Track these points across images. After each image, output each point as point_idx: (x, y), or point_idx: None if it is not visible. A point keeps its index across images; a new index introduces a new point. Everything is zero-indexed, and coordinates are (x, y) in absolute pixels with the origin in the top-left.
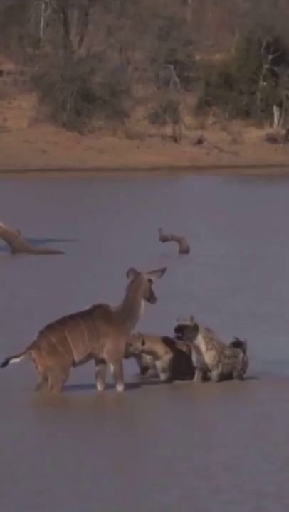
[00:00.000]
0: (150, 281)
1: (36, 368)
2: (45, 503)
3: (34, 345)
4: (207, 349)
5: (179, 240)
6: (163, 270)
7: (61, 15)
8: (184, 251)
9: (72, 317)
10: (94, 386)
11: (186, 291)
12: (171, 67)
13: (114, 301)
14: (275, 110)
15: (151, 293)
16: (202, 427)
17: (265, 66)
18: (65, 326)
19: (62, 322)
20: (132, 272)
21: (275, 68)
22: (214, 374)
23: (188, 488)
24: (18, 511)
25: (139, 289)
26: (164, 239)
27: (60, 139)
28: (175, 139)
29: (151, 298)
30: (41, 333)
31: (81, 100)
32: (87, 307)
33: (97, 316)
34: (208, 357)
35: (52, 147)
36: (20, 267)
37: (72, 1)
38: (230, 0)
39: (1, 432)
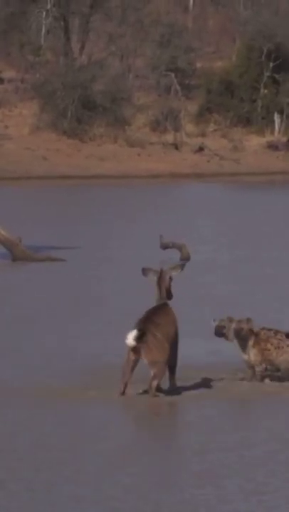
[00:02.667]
0: (171, 278)
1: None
2: (45, 505)
3: (143, 340)
4: (253, 346)
5: (179, 248)
6: (183, 265)
7: (62, 22)
8: (185, 258)
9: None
10: (99, 386)
11: (188, 297)
12: (172, 74)
13: (118, 307)
14: (276, 117)
15: (169, 290)
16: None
17: (266, 73)
18: (162, 320)
19: (158, 316)
20: (151, 270)
21: (276, 76)
22: (257, 371)
23: (190, 492)
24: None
25: (165, 286)
26: (164, 246)
27: (61, 146)
28: (176, 146)
29: (168, 294)
30: (146, 327)
31: (82, 108)
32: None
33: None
34: (253, 353)
35: (53, 154)
36: (21, 274)
37: (73, 9)
38: (231, 7)
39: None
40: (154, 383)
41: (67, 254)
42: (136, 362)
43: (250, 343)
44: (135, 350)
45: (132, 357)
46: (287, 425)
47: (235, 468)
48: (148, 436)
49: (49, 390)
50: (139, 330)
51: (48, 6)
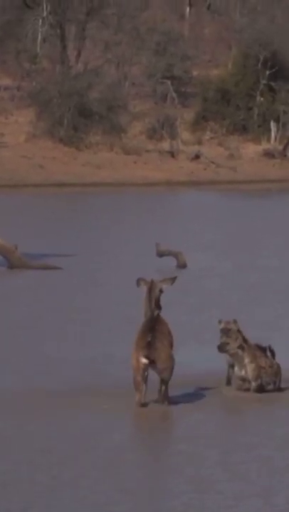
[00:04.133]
0: (161, 290)
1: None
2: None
3: (154, 347)
4: (250, 361)
5: (176, 255)
6: (174, 278)
7: (58, 30)
8: (182, 266)
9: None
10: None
11: (183, 305)
12: (169, 82)
13: (115, 314)
14: (273, 125)
15: (158, 302)
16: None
17: (263, 81)
18: (164, 329)
19: (160, 325)
20: (143, 280)
21: (273, 84)
22: (254, 385)
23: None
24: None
25: (155, 297)
26: (161, 254)
27: (58, 154)
28: (172, 154)
29: (157, 306)
30: (155, 336)
31: (78, 115)
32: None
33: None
34: (251, 369)
35: (49, 162)
36: (18, 282)
37: (69, 16)
38: (227, 15)
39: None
40: (167, 393)
41: (64, 261)
42: (147, 372)
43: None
44: (150, 361)
45: (143, 369)
46: (281, 428)
47: (233, 472)
48: (146, 441)
49: (47, 397)
50: (150, 337)
51: (44, 14)
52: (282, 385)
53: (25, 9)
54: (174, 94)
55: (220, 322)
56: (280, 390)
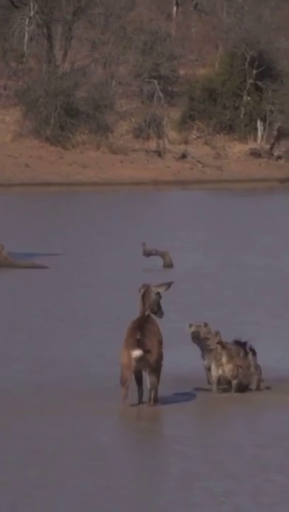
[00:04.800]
0: (158, 294)
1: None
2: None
3: (144, 345)
4: (228, 361)
5: (162, 255)
6: (170, 284)
7: (45, 29)
8: (168, 265)
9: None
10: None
11: (170, 303)
12: (155, 81)
13: (101, 313)
14: (259, 125)
15: (159, 307)
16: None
17: (249, 81)
18: (154, 328)
19: (150, 324)
20: (143, 286)
21: (259, 83)
22: (234, 383)
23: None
24: None
25: (148, 301)
26: (147, 253)
27: (44, 153)
28: (159, 153)
29: (158, 312)
30: (143, 333)
31: (65, 115)
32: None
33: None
34: (229, 369)
35: (36, 162)
36: (4, 281)
37: (56, 16)
38: (214, 15)
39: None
40: (154, 393)
41: (50, 261)
42: (138, 368)
43: (224, 359)
44: (140, 358)
45: (135, 364)
46: (270, 427)
47: (220, 470)
48: (133, 440)
49: (36, 396)
50: (139, 334)
51: (31, 13)
52: (268, 384)
53: (12, 9)
54: (161, 94)
55: (190, 326)
56: (259, 389)
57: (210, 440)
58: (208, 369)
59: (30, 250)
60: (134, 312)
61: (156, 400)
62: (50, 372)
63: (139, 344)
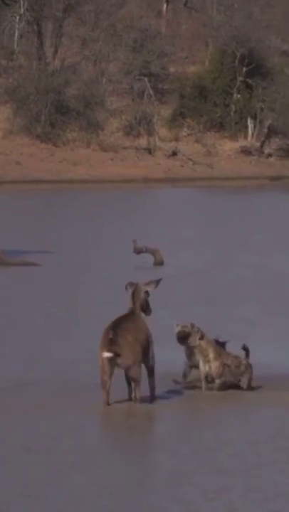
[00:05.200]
0: (147, 292)
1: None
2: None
3: (115, 343)
4: (215, 358)
5: (153, 252)
6: (158, 281)
7: (35, 27)
8: (159, 263)
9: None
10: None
11: (161, 301)
12: (146, 79)
13: (93, 311)
14: (250, 122)
15: (147, 305)
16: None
17: (240, 78)
18: (130, 325)
19: (125, 322)
20: (130, 284)
21: (250, 80)
22: (218, 383)
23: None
24: None
25: (138, 300)
26: (138, 251)
27: (35, 151)
28: (149, 151)
29: (147, 310)
30: (116, 332)
31: (55, 112)
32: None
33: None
34: (215, 366)
35: (26, 159)
36: None
37: (46, 13)
38: (204, 12)
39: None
40: (139, 391)
41: (41, 258)
42: (112, 369)
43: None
44: (110, 359)
45: (108, 366)
46: (262, 424)
47: (211, 467)
48: (124, 438)
49: (28, 394)
50: (112, 334)
51: (21, 11)
52: (260, 382)
53: (2, 6)
54: (151, 91)
55: (177, 325)
56: (250, 388)
57: (201, 437)
58: (194, 367)
59: (21, 248)
60: (124, 309)
61: (141, 398)
62: (42, 369)
63: (110, 344)
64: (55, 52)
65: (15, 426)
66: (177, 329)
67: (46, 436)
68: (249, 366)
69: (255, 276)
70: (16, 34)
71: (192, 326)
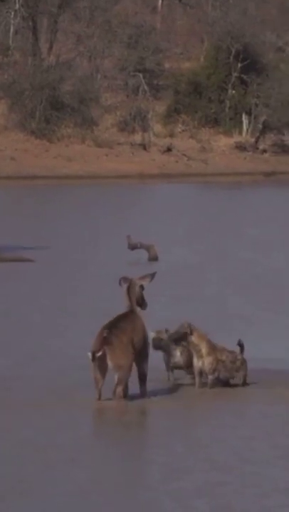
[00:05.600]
0: (142, 287)
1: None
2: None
3: (108, 342)
4: (208, 353)
5: (147, 248)
6: (153, 274)
7: (30, 23)
8: (153, 258)
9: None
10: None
11: (155, 297)
12: (140, 75)
13: (87, 306)
14: (244, 118)
15: (143, 299)
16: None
17: (234, 74)
18: (127, 326)
19: (124, 322)
20: (124, 279)
21: (244, 76)
22: (210, 378)
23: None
24: None
25: (134, 295)
26: (132, 247)
27: (29, 146)
28: (144, 146)
29: (142, 304)
30: (111, 332)
31: (50, 108)
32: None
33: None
34: (208, 361)
35: (21, 155)
36: None
37: (41, 9)
38: (199, 8)
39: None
40: (119, 389)
41: (36, 254)
42: (103, 367)
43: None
44: (100, 358)
45: (96, 364)
46: (257, 420)
47: (207, 462)
48: (117, 434)
49: (21, 392)
50: (106, 332)
51: (17, 6)
52: (256, 378)
53: None
54: (146, 87)
55: (152, 332)
56: (245, 384)
57: (196, 433)
58: (186, 366)
59: (15, 243)
60: (119, 305)
61: (120, 395)
62: (37, 364)
63: (103, 342)
64: (50, 48)
65: (10, 422)
66: (152, 335)
67: (41, 432)
68: (244, 361)
69: (249, 271)
70: (11, 30)
71: (166, 331)
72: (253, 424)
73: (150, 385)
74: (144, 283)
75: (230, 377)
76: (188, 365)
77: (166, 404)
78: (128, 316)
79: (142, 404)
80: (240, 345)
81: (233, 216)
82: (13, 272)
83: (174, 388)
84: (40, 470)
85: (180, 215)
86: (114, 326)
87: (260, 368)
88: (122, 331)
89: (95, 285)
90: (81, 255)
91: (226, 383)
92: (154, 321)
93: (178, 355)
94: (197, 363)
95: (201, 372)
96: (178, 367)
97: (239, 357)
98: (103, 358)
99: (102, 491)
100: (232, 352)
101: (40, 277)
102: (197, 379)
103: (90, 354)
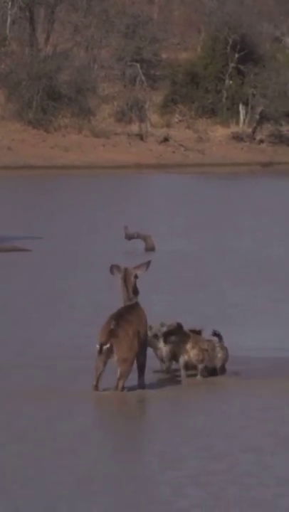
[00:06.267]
0: (136, 276)
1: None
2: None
3: (115, 335)
4: (192, 347)
5: (144, 238)
6: (148, 263)
7: (27, 13)
8: (150, 249)
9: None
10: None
11: (151, 288)
12: (138, 65)
13: (83, 298)
14: (241, 109)
15: (136, 288)
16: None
17: (232, 64)
18: (134, 318)
19: (130, 314)
20: (117, 267)
21: (241, 67)
22: (200, 368)
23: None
24: None
25: (131, 285)
26: (129, 237)
27: (26, 136)
28: (141, 137)
29: (134, 291)
30: (118, 323)
31: (47, 98)
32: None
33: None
34: (194, 354)
35: (18, 145)
36: None
37: None
38: None
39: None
40: (121, 383)
41: (33, 244)
42: (107, 358)
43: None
44: (106, 350)
45: (103, 357)
46: (247, 411)
47: (201, 451)
48: (118, 425)
49: (17, 382)
50: (114, 324)
51: None
52: (253, 368)
53: None
54: (143, 77)
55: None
56: (223, 371)
57: (193, 422)
58: (168, 360)
59: (12, 233)
60: (115, 295)
61: (121, 389)
62: (34, 354)
63: (110, 334)
64: (47, 38)
65: (6, 412)
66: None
67: (38, 422)
68: (224, 348)
69: (246, 261)
70: (8, 20)
71: (150, 328)
72: (250, 413)
73: (147, 377)
74: (139, 272)
75: (212, 366)
76: (173, 358)
77: (160, 396)
78: (134, 308)
79: (139, 394)
80: (217, 334)
81: (230, 206)
82: (9, 261)
83: (170, 379)
84: (38, 460)
85: (177, 205)
86: (121, 317)
87: (257, 357)
88: (128, 323)
89: (92, 275)
90: (78, 245)
91: (212, 372)
92: (151, 312)
93: (162, 348)
94: (183, 357)
95: (187, 365)
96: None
97: (217, 344)
98: (110, 350)
99: (100, 480)
100: (209, 340)
101: (37, 267)
102: (182, 372)
103: (98, 346)
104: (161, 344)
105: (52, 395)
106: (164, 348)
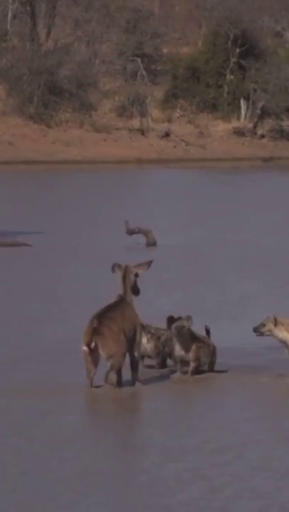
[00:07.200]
0: (136, 275)
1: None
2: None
3: (99, 333)
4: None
5: (146, 233)
6: (149, 263)
7: (28, 7)
8: (151, 243)
9: (112, 308)
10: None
11: (153, 283)
12: (139, 60)
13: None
14: (242, 103)
15: (136, 286)
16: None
17: (233, 59)
18: (117, 315)
19: (112, 312)
20: (118, 266)
21: (242, 61)
22: (193, 366)
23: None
24: None
25: (130, 283)
26: (130, 232)
27: (27, 131)
28: (142, 131)
29: (135, 291)
30: (101, 322)
31: (48, 93)
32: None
33: (126, 308)
34: (192, 349)
35: (19, 140)
36: None
37: None
38: None
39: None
40: (111, 375)
41: (33, 239)
42: (96, 357)
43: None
44: (91, 349)
45: (90, 355)
46: (248, 404)
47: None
48: (116, 420)
49: (17, 376)
50: (96, 323)
51: None
52: (253, 361)
53: None
54: (144, 72)
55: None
56: (212, 370)
57: (192, 416)
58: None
59: (12, 228)
60: (115, 291)
61: (112, 381)
62: (33, 348)
63: (93, 333)
64: (48, 33)
65: (4, 405)
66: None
67: (36, 416)
68: (214, 347)
69: (248, 255)
70: (9, 15)
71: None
72: (251, 407)
73: (147, 372)
74: (140, 271)
75: (208, 361)
76: (158, 354)
77: (156, 391)
78: (117, 304)
79: (136, 389)
80: (207, 330)
81: (231, 201)
82: (10, 256)
83: (161, 376)
84: (38, 453)
85: (178, 200)
86: (103, 316)
87: (260, 351)
88: (111, 320)
89: (92, 270)
90: (79, 240)
91: (208, 368)
92: (153, 307)
93: (145, 343)
94: (179, 351)
95: (183, 360)
96: (147, 355)
97: (210, 342)
98: (95, 348)
99: (100, 473)
100: (204, 337)
101: (37, 262)
102: (178, 366)
103: (86, 348)
104: (144, 339)
105: (52, 389)
106: (146, 345)
